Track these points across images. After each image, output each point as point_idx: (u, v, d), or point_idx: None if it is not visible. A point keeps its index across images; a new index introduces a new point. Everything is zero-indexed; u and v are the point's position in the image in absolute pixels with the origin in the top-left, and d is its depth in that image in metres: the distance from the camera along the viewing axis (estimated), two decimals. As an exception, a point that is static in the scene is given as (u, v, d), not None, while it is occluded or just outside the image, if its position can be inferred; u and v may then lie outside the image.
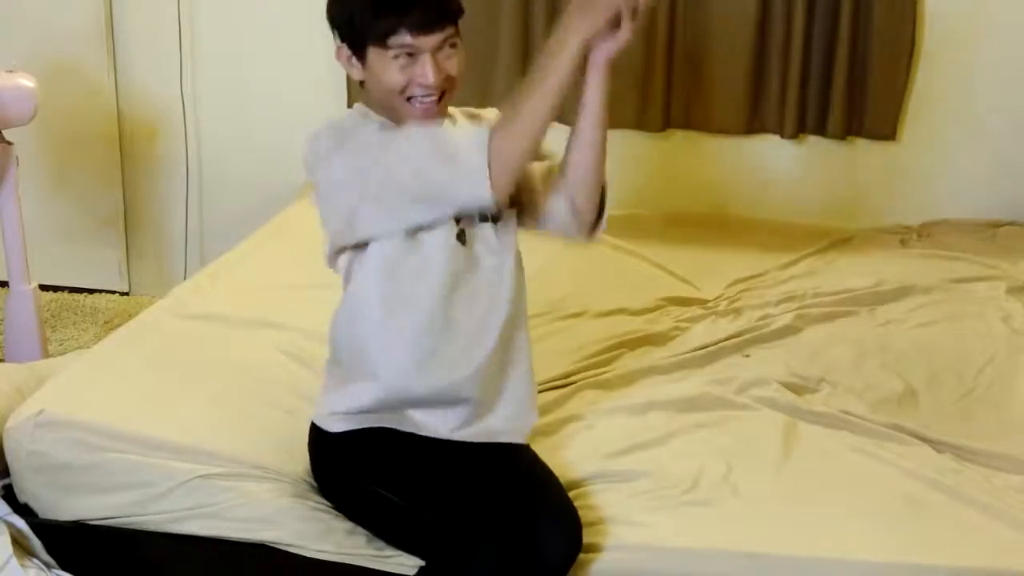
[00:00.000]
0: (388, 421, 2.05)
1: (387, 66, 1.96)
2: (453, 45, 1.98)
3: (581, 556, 1.93)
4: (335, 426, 2.06)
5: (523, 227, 2.12)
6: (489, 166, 1.84)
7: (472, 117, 2.14)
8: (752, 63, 3.55)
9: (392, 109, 2.00)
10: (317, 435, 2.11)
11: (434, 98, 1.98)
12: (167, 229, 4.00)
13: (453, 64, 1.99)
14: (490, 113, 2.15)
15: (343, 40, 2.00)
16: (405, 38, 1.93)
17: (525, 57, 3.60)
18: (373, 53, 1.96)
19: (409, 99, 1.97)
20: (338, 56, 2.02)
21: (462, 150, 1.87)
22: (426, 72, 1.95)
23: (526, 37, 3.60)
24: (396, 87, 1.96)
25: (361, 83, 2.03)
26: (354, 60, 2.00)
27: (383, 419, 2.05)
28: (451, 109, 2.10)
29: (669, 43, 3.54)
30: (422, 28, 1.93)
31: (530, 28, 3.60)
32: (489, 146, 1.84)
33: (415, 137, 1.93)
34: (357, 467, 2.05)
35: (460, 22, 2.00)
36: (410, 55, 1.95)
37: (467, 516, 1.90)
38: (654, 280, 3.17)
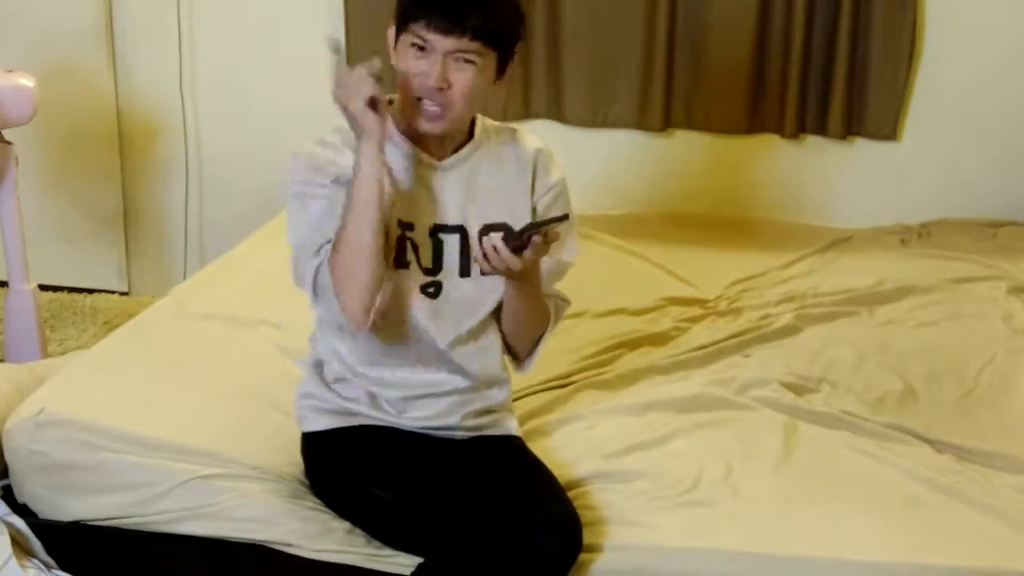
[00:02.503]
0: (363, 404, 2.06)
1: (405, 53, 1.92)
2: (469, 61, 1.90)
3: (581, 556, 1.93)
4: (315, 421, 2.07)
5: None
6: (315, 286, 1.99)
7: (504, 134, 2.09)
8: (752, 63, 3.55)
9: (405, 103, 1.95)
10: (307, 438, 2.12)
11: (438, 108, 1.92)
12: (167, 229, 4.00)
13: (461, 79, 1.90)
14: (528, 133, 2.12)
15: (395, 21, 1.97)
16: (421, 29, 1.88)
17: (524, 62, 3.60)
18: (402, 37, 1.93)
19: (418, 99, 1.92)
20: (388, 37, 1.98)
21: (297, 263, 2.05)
22: (431, 72, 1.88)
23: (525, 39, 3.59)
24: (405, 77, 1.92)
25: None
26: (394, 42, 1.96)
27: (359, 406, 2.06)
28: (487, 123, 2.07)
29: (669, 43, 3.54)
30: (438, 27, 1.88)
31: (530, 29, 3.59)
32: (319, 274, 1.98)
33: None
34: (350, 468, 2.05)
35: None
36: (422, 49, 1.90)
37: (466, 515, 1.90)
38: (654, 280, 3.17)
